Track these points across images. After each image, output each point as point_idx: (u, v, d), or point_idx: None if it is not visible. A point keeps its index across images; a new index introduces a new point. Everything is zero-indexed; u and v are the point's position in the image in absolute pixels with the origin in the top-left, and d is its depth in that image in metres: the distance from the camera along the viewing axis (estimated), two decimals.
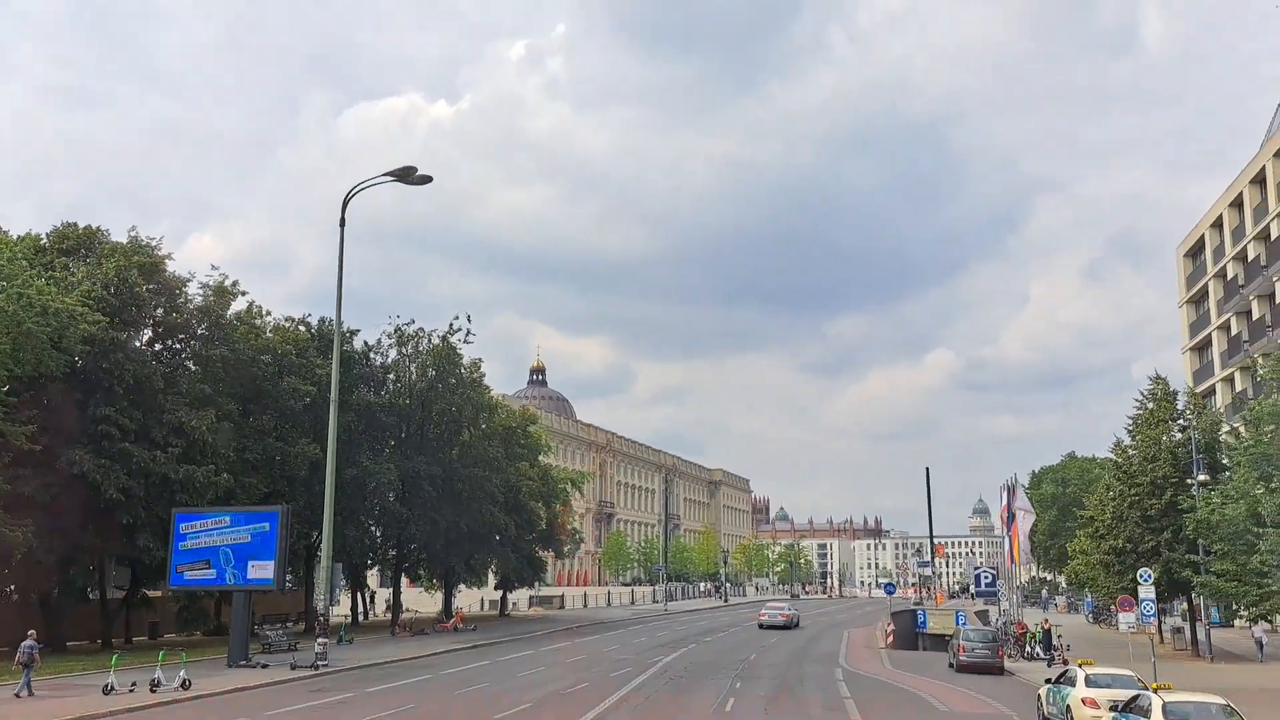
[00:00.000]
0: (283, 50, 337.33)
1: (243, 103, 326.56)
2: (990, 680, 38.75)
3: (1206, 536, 40.49)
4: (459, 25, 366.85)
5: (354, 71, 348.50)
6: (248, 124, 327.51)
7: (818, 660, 45.86)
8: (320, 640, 36.90)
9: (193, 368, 47.08)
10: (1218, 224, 71.08)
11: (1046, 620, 55.01)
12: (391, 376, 61.89)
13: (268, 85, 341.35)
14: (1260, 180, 63.31)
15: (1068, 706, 26.01)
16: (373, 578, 78.16)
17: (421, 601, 78.79)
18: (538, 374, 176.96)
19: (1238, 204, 67.07)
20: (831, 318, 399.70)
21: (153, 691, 28.26)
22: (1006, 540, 62.28)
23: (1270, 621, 48.26)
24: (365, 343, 60.23)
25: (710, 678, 36.46)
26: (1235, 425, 50.05)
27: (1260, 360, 47.98)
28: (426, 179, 38.38)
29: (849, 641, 58.16)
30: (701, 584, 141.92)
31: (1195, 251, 77.22)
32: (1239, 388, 65.56)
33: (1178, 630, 56.59)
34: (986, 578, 66.37)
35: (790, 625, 67.83)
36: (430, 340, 61.10)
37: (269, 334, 52.34)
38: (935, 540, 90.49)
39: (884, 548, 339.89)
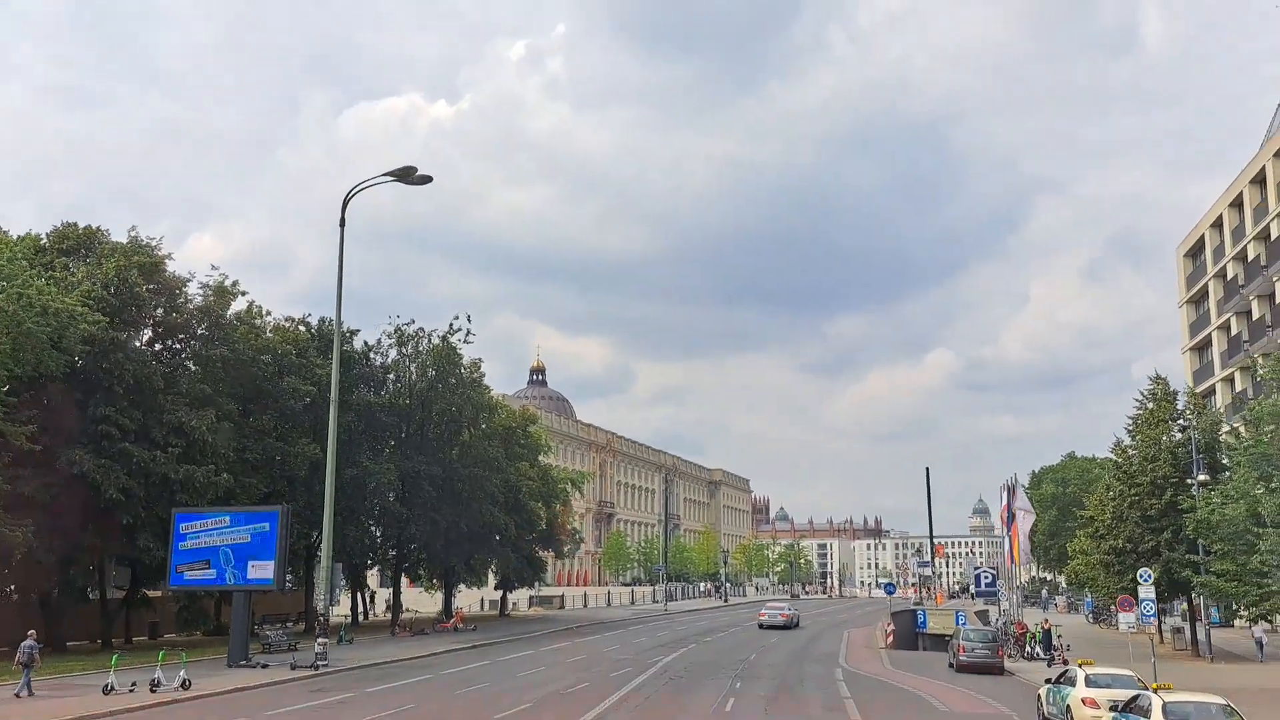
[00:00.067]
0: (283, 50, 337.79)
1: (243, 103, 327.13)
2: (990, 680, 38.74)
3: (1206, 536, 40.48)
4: (459, 25, 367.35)
5: (354, 71, 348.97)
6: (248, 124, 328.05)
7: (818, 660, 45.85)
8: (320, 640, 36.88)
9: (193, 368, 47.08)
10: (1218, 224, 71.09)
11: (1046, 620, 55.00)
12: (391, 376, 61.89)
13: (268, 85, 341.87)
14: (1260, 180, 63.31)
15: (1068, 706, 26.01)
16: (373, 578, 78.14)
17: (422, 601, 78.79)
18: (538, 374, 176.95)
19: (1238, 204, 67.07)
20: (831, 318, 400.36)
21: (153, 691, 28.26)
22: (1006, 540, 62.29)
23: (1270, 621, 48.24)
24: (365, 343, 60.31)
25: (710, 678, 36.45)
26: (1235, 425, 50.05)
27: (1260, 360, 47.96)
28: (426, 179, 38.37)
29: (849, 641, 58.15)
30: (701, 584, 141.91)
31: (1195, 251, 77.23)
32: (1239, 388, 65.57)
33: (1178, 630, 56.58)
34: (987, 578, 66.35)
35: (790, 625, 67.83)
36: (430, 340, 61.11)
37: (269, 334, 52.34)
38: (935, 540, 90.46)
39: (884, 548, 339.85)
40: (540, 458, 77.18)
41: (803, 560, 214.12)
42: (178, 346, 47.55)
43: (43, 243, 43.73)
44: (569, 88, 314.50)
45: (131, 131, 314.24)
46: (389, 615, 64.78)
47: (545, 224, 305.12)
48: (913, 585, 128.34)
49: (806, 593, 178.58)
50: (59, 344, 37.95)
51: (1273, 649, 50.53)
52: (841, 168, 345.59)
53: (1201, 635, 49.72)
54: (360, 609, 69.10)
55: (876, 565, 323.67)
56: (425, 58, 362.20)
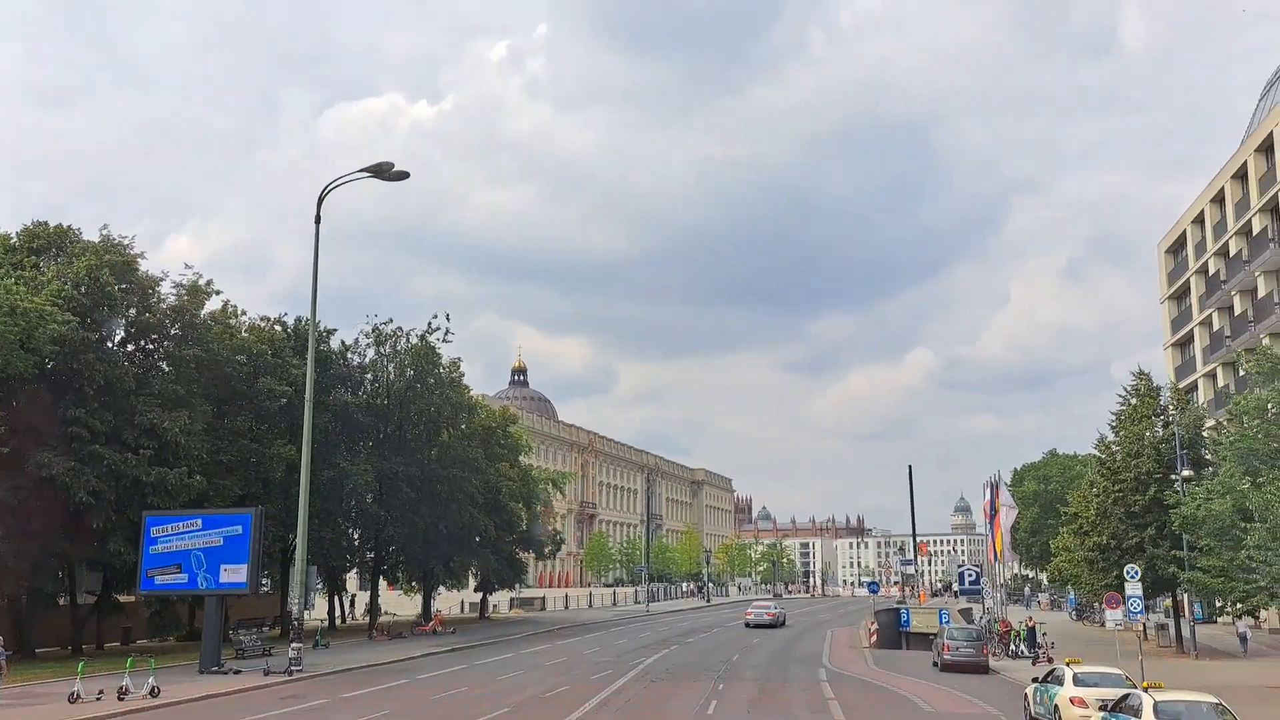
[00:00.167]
0: (263, 50, 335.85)
1: (222, 102, 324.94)
2: (975, 679, 38.33)
3: (1193, 532, 40.23)
4: (440, 25, 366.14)
5: (334, 72, 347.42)
6: (227, 124, 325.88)
7: (801, 660, 45.43)
8: (295, 645, 36.19)
9: (166, 368, 46.19)
10: (1199, 220, 70.98)
11: (1030, 618, 54.71)
12: (369, 376, 61.03)
13: (247, 85, 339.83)
14: (1242, 175, 63.19)
15: (1055, 706, 25.58)
16: (352, 581, 77.35)
17: (401, 604, 78.05)
18: (519, 374, 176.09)
19: (1219, 199, 66.94)
20: (813, 317, 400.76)
21: (120, 699, 27.56)
22: (990, 536, 61.97)
23: (1255, 617, 48.08)
24: (343, 342, 59.47)
25: (692, 679, 35.98)
26: (1220, 419, 49.91)
27: (1243, 355, 47.77)
28: (403, 175, 37.79)
29: (832, 641, 57.80)
30: (684, 584, 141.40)
31: (1177, 248, 77.16)
32: (1221, 383, 65.49)
33: (1161, 627, 56.42)
34: (971, 575, 66.02)
35: (777, 623, 67.96)
36: (409, 339, 60.30)
37: (244, 334, 51.48)
38: (918, 539, 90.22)
39: (866, 546, 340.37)
40: (521, 458, 76.52)
41: (785, 560, 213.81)
42: (150, 347, 46.63)
43: (12, 242, 42.93)
44: (550, 88, 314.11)
45: (109, 131, 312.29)
46: (368, 618, 64.06)
47: (527, 224, 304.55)
48: (896, 584, 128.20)
49: (789, 592, 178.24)
50: (28, 344, 37.16)
51: (1256, 644, 50.50)
52: (823, 168, 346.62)
53: (1186, 631, 49.55)
54: (338, 612, 68.31)
55: (859, 564, 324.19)
56: (406, 58, 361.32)
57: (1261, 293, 59.25)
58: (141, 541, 38.33)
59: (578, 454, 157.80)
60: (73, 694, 27.20)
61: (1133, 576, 37.23)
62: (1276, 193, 56.70)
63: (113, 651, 44.81)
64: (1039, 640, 47.16)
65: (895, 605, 69.91)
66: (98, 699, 27.59)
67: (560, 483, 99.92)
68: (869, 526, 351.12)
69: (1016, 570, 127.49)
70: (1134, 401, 50.73)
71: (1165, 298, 78.60)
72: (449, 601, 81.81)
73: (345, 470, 52.48)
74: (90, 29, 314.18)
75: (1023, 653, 47.19)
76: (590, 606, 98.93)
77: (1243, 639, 48.52)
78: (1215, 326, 67.51)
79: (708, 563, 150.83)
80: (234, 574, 37.27)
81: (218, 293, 48.04)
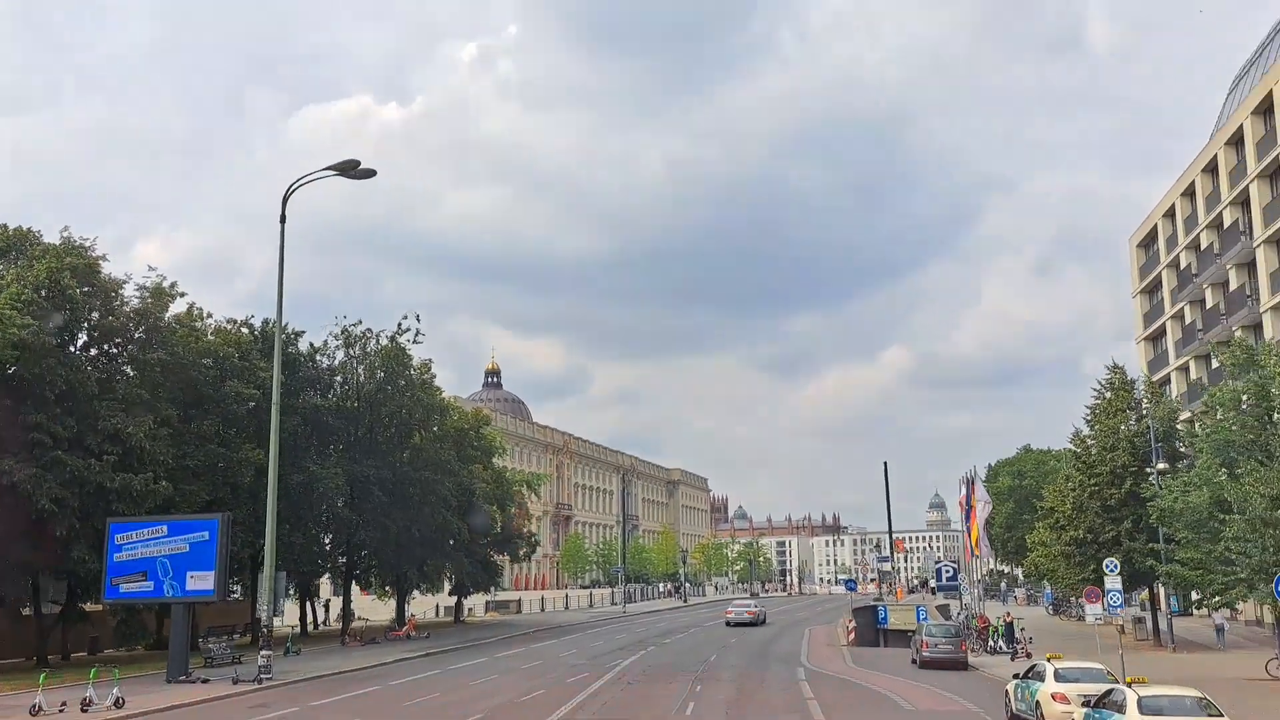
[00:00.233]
0: (230, 53, 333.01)
1: (187, 105, 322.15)
2: (954, 676, 38.06)
3: (1170, 525, 40.13)
4: (410, 27, 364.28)
5: (303, 73, 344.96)
6: (193, 127, 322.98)
7: (780, 660, 45.09)
8: (264, 653, 35.46)
9: (130, 372, 45.19)
10: (1170, 214, 71.17)
11: (1008, 613, 54.59)
12: (339, 379, 60.28)
13: (213, 88, 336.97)
14: (1213, 169, 63.33)
15: (1037, 702, 25.26)
16: (326, 586, 76.44)
17: (376, 609, 77.11)
18: (493, 376, 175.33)
19: (1190, 193, 67.12)
20: (786, 317, 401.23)
21: (84, 711, 26.87)
22: (966, 532, 61.87)
23: (1232, 609, 48.09)
24: (311, 344, 58.63)
25: (670, 681, 35.59)
26: (1195, 411, 49.93)
27: (1216, 347, 47.83)
28: (370, 172, 37.40)
29: (810, 639, 57.56)
30: (661, 585, 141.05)
31: (1148, 242, 77.39)
32: (1194, 376, 65.62)
33: (1139, 620, 56.44)
34: (948, 571, 65.98)
35: (757, 621, 68.45)
36: (378, 341, 59.63)
37: (210, 337, 50.59)
38: (894, 536, 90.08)
39: (842, 544, 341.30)
40: (495, 460, 75.83)
41: (762, 558, 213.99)
42: (114, 350, 45.59)
43: None
44: (521, 89, 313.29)
45: (71, 135, 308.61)
46: (340, 624, 63.23)
47: (499, 226, 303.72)
48: (872, 580, 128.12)
49: (766, 591, 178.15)
50: None
51: (1233, 636, 50.53)
52: (794, 167, 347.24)
53: (1163, 625, 49.52)
54: (310, 618, 67.40)
55: (835, 562, 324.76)
56: (376, 60, 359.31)
57: (1233, 285, 59.37)
58: (105, 549, 37.46)
59: (552, 455, 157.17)
60: (34, 706, 26.44)
61: (1112, 570, 37.01)
62: (1247, 186, 56.81)
63: (79, 662, 43.87)
64: (1017, 636, 47.01)
65: (872, 603, 69.62)
66: (61, 711, 26.92)
67: (535, 484, 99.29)
68: (845, 524, 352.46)
69: (992, 565, 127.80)
70: (1108, 395, 50.71)
71: (1137, 292, 78.83)
72: (423, 606, 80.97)
73: (315, 474, 51.71)
74: (52, 35, 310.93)
75: (1001, 648, 47.05)
76: (567, 608, 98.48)
77: (1220, 631, 48.56)
78: (1187, 320, 67.66)
79: (684, 563, 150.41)
80: (201, 581, 36.42)
81: (182, 295, 47.31)
